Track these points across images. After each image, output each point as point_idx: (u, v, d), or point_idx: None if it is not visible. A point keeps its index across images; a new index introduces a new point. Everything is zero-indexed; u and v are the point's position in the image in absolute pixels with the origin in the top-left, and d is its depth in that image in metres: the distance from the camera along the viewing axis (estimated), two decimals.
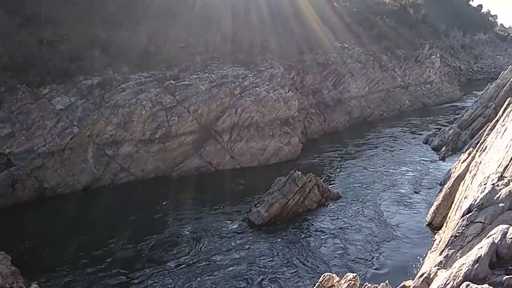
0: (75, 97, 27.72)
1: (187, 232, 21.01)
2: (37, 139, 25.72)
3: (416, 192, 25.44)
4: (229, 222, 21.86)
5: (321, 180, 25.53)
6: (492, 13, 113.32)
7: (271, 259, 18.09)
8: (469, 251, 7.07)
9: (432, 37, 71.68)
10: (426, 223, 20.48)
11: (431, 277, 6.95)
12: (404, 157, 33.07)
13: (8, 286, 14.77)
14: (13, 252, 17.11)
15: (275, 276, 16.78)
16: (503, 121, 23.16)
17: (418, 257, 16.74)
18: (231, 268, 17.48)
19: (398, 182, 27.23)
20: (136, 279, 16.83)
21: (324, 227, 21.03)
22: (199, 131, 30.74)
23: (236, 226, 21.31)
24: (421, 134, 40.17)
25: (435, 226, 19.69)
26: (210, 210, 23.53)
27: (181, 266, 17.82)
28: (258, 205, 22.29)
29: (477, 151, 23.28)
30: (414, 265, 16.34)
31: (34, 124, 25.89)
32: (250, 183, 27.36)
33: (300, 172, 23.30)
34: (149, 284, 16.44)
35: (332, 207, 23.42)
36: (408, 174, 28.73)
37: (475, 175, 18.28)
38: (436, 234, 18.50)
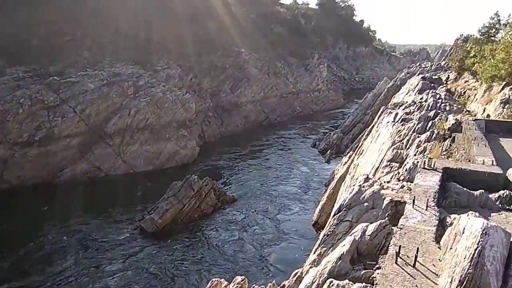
0: None
1: (73, 242, 19.33)
2: None
3: (304, 193, 27.12)
4: (119, 230, 20.68)
5: (218, 183, 25.70)
6: (372, 29, 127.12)
7: (160, 267, 17.59)
8: None
9: (320, 47, 77.52)
10: (313, 222, 21.94)
11: (303, 275, 7.44)
12: (294, 160, 35.06)
13: None
14: None
15: (164, 284, 16.37)
16: (377, 127, 26.09)
17: (304, 256, 17.84)
18: (118, 277, 16.56)
19: (289, 184, 28.74)
20: None
21: (219, 232, 21.18)
22: (86, 133, 28.50)
23: (128, 235, 20.26)
24: (310, 138, 43.05)
25: (320, 225, 21.19)
26: (99, 219, 21.98)
27: (65, 277, 16.36)
28: (152, 211, 21.50)
29: (355, 154, 25.81)
30: (299, 264, 17.34)
31: None
32: (144, 189, 26.29)
33: (196, 176, 23.13)
34: None
35: (228, 210, 23.72)
36: (297, 176, 30.52)
37: (353, 176, 20.20)
38: (320, 233, 19.96)
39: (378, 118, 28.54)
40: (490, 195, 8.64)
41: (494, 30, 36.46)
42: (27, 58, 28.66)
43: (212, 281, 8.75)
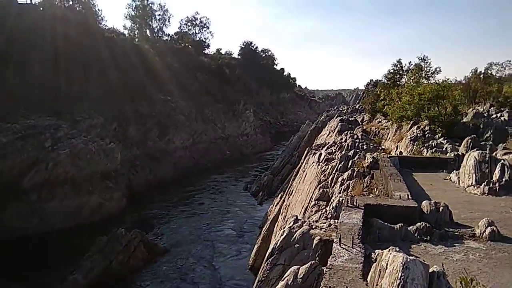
0: None
1: None
2: None
3: (239, 236, 26.86)
4: None
5: (148, 235, 24.52)
6: (292, 76, 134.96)
7: None
8: None
9: (245, 94, 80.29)
10: (249, 266, 21.65)
11: None
12: (227, 203, 34.87)
13: None
14: None
15: None
16: (304, 167, 27.15)
17: None
18: None
19: (223, 228, 28.34)
20: None
21: (150, 287, 19.97)
22: None
23: None
24: (241, 181, 43.33)
25: (256, 269, 20.96)
26: (14, 285, 19.60)
27: None
28: (75, 272, 19.72)
29: (286, 195, 26.43)
30: None
31: None
32: (65, 248, 24.08)
33: (123, 229, 21.91)
34: None
35: (159, 263, 22.58)
36: (231, 219, 30.27)
37: (285, 216, 20.56)
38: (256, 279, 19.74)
39: (304, 159, 29.77)
40: (409, 228, 9.31)
41: (398, 75, 40.77)
42: None
43: None
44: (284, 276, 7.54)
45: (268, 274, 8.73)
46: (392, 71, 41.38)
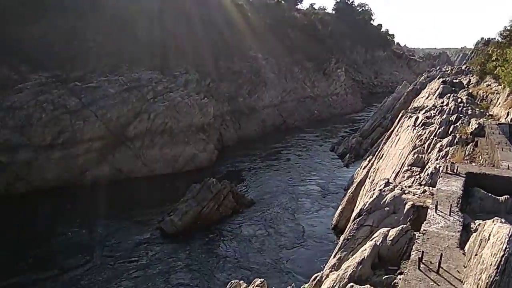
0: None
1: (94, 242, 19.77)
2: None
3: (323, 197, 26.97)
4: (140, 232, 20.96)
5: (236, 187, 25.80)
6: (390, 33, 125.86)
7: (182, 269, 17.75)
8: None
9: (338, 52, 77.16)
10: (332, 226, 21.80)
11: (323, 279, 7.42)
12: (312, 164, 34.90)
13: None
14: None
15: (184, 284, 16.49)
16: (397, 131, 25.79)
17: (323, 260, 17.73)
18: (137, 277, 16.80)
19: (307, 188, 28.62)
20: None
21: (237, 234, 21.25)
22: (108, 137, 29.08)
23: (148, 236, 20.53)
24: (328, 142, 42.81)
25: (339, 229, 21.05)
26: (120, 220, 22.36)
27: (84, 275, 16.76)
28: (172, 213, 21.75)
29: (375, 158, 25.55)
30: (318, 268, 17.21)
31: None
32: (164, 191, 26.60)
33: (214, 179, 23.32)
34: None
35: (246, 213, 23.77)
36: (316, 180, 30.35)
37: (373, 180, 20.01)
38: (340, 237, 19.82)
39: (398, 122, 28.22)
40: None
41: None
42: (49, 64, 29.43)
43: (232, 282, 8.81)
44: (373, 237, 7.43)
45: (354, 234, 8.70)
46: (509, 27, 36.26)
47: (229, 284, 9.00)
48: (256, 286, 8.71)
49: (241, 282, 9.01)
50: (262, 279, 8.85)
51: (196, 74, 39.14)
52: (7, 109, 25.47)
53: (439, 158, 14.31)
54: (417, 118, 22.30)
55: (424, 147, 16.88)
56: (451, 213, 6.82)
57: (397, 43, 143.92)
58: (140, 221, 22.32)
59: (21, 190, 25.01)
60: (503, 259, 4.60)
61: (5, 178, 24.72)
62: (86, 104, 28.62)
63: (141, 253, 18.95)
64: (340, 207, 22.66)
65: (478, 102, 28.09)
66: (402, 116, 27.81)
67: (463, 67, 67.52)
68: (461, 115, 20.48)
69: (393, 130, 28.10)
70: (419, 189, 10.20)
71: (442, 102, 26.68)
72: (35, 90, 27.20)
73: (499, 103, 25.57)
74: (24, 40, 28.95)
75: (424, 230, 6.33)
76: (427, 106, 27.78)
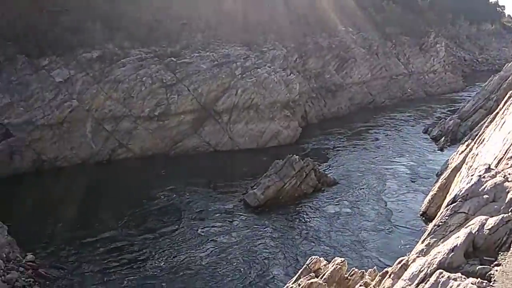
0: (75, 70, 27.51)
1: (180, 206, 21.31)
2: (36, 111, 25.65)
3: (412, 181, 25.54)
4: (224, 202, 22.03)
5: (319, 165, 25.60)
6: (500, 3, 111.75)
7: (263, 240, 18.31)
8: None
9: (438, 25, 70.71)
10: (421, 212, 20.64)
11: (409, 263, 7.05)
12: (402, 146, 33.08)
13: (5, 256, 14.96)
14: (10, 222, 17.27)
15: (265, 257, 17.01)
16: (503, 114, 23.10)
17: (408, 246, 16.94)
18: (222, 245, 17.73)
19: (395, 171, 27.31)
20: (128, 253, 17.05)
21: (318, 212, 21.22)
22: (198, 111, 30.64)
23: (231, 206, 21.48)
24: (421, 123, 40.07)
25: (429, 216, 19.85)
26: (206, 190, 23.69)
27: (172, 237, 18.18)
28: (255, 187, 22.41)
29: (475, 143, 23.31)
30: (402, 253, 16.52)
31: (33, 95, 25.78)
32: (248, 165, 27.43)
33: (297, 156, 23.37)
34: (140, 256, 16.68)
35: (328, 192, 23.55)
36: (405, 163, 28.78)
37: (470, 166, 18.34)
38: (429, 224, 18.70)
39: (504, 104, 25.26)
40: None
41: None
42: (148, 40, 31.50)
43: (312, 258, 8.86)
44: (468, 224, 6.87)
45: (446, 220, 8.11)
46: None
47: (309, 259, 9.07)
48: (337, 264, 8.64)
49: (321, 259, 9.02)
50: (342, 259, 8.76)
51: (283, 50, 38.95)
52: (112, 82, 28.00)
53: None
54: None
55: None
56: None
57: (508, 15, 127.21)
58: (224, 192, 23.41)
59: (122, 156, 27.73)
60: None
61: (109, 146, 27.52)
62: (180, 79, 30.31)
63: (224, 221, 19.94)
64: (430, 193, 21.27)
65: None
66: (509, 97, 24.82)
67: None
68: None
69: (498, 113, 25.25)
70: None
71: None
72: (136, 65, 29.42)
73: None
74: (126, 17, 31.30)
75: None
76: None
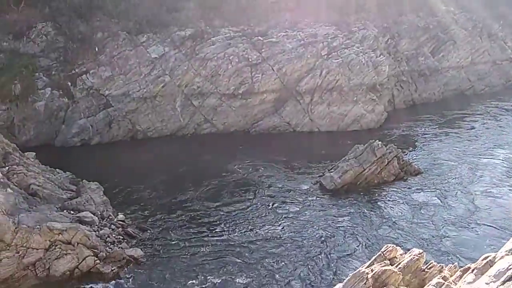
0: (169, 47, 29.21)
1: (257, 185, 21.83)
2: (133, 84, 27.90)
3: (509, 177, 23.13)
4: (300, 182, 22.14)
5: (403, 153, 24.34)
6: None
7: (337, 223, 18.16)
8: None
9: None
10: None
11: (495, 260, 6.46)
12: (501, 137, 29.86)
13: (99, 213, 16.87)
14: (105, 184, 19.35)
15: (338, 240, 16.88)
16: None
17: (493, 247, 15.49)
18: (295, 224, 17.95)
19: (490, 164, 24.88)
20: (206, 223, 18.07)
21: (398, 201, 20.32)
22: (281, 90, 30.77)
23: (307, 187, 21.52)
24: None
25: None
26: (283, 169, 23.97)
27: (245, 210, 18.93)
28: (332, 170, 22.13)
29: None
30: (486, 252, 15.15)
31: (132, 69, 28.03)
32: (326, 148, 27.07)
33: (380, 142, 22.45)
34: (217, 227, 17.63)
35: (411, 182, 22.37)
36: (502, 157, 25.98)
37: None
38: None
39: None
40: None
41: None
42: (238, 19, 32.11)
43: (387, 246, 8.54)
44: None
45: None
46: None
47: (384, 246, 8.78)
48: (414, 255, 8.25)
49: (397, 248, 8.67)
50: (421, 250, 8.34)
51: (375, 30, 37.06)
52: (201, 59, 29.24)
53: None
54: None
55: None
56: None
57: None
58: (301, 173, 23.49)
59: (206, 131, 29.18)
60: None
61: (195, 120, 29.06)
62: (265, 58, 30.59)
63: (299, 201, 20.08)
64: None
65: None
66: None
67: None
68: None
69: None
70: None
71: None
72: (224, 44, 30.29)
73: None
74: None
75: None
76: None
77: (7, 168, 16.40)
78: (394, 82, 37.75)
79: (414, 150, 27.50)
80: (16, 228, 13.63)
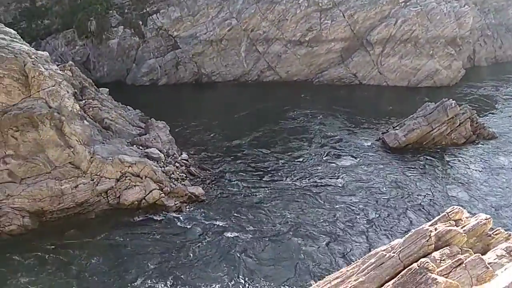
0: None
1: (316, 135, 21.59)
2: (200, 26, 27.92)
3: None
4: (361, 137, 21.51)
5: (478, 114, 22.54)
6: None
7: (397, 181, 17.60)
8: None
9: None
10: None
11: None
12: None
13: (165, 151, 17.76)
14: (171, 123, 20.14)
15: (398, 197, 16.42)
16: None
17: None
18: (353, 178, 17.68)
19: None
20: (264, 167, 18.37)
21: (467, 164, 19.15)
22: (350, 39, 29.21)
23: (368, 143, 20.88)
24: None
25: None
26: (345, 122, 23.36)
27: (303, 163, 18.92)
28: (397, 127, 21.17)
29: None
30: None
31: (200, 11, 27.94)
32: (394, 103, 25.80)
33: (454, 101, 20.87)
34: (273, 172, 17.88)
35: (483, 146, 20.88)
36: None
37: None
38: None
39: None
40: None
41: None
42: None
43: (453, 207, 8.19)
44: None
45: None
46: None
47: (450, 208, 8.42)
48: (481, 220, 7.84)
49: (464, 210, 8.28)
50: (488, 216, 7.90)
51: None
52: (269, 2, 28.30)
53: None
54: None
55: None
56: None
57: None
58: (363, 128, 22.76)
59: (269, 79, 28.91)
60: None
61: (259, 67, 28.78)
62: (336, 3, 28.96)
63: (358, 156, 19.59)
64: None
65: None
66: None
67: None
68: None
69: None
70: None
71: None
72: None
73: None
74: None
75: None
76: None
77: (84, 101, 17.52)
78: (477, 36, 34.36)
79: (491, 113, 25.41)
80: (91, 157, 14.81)
